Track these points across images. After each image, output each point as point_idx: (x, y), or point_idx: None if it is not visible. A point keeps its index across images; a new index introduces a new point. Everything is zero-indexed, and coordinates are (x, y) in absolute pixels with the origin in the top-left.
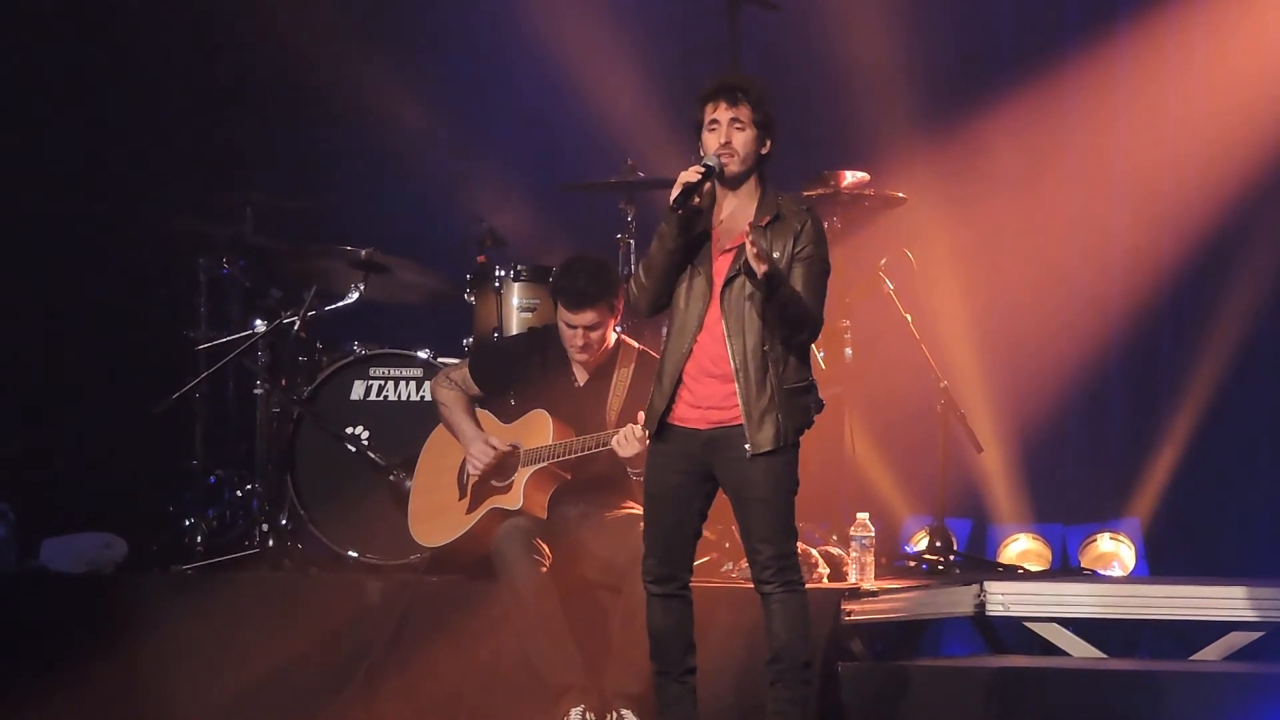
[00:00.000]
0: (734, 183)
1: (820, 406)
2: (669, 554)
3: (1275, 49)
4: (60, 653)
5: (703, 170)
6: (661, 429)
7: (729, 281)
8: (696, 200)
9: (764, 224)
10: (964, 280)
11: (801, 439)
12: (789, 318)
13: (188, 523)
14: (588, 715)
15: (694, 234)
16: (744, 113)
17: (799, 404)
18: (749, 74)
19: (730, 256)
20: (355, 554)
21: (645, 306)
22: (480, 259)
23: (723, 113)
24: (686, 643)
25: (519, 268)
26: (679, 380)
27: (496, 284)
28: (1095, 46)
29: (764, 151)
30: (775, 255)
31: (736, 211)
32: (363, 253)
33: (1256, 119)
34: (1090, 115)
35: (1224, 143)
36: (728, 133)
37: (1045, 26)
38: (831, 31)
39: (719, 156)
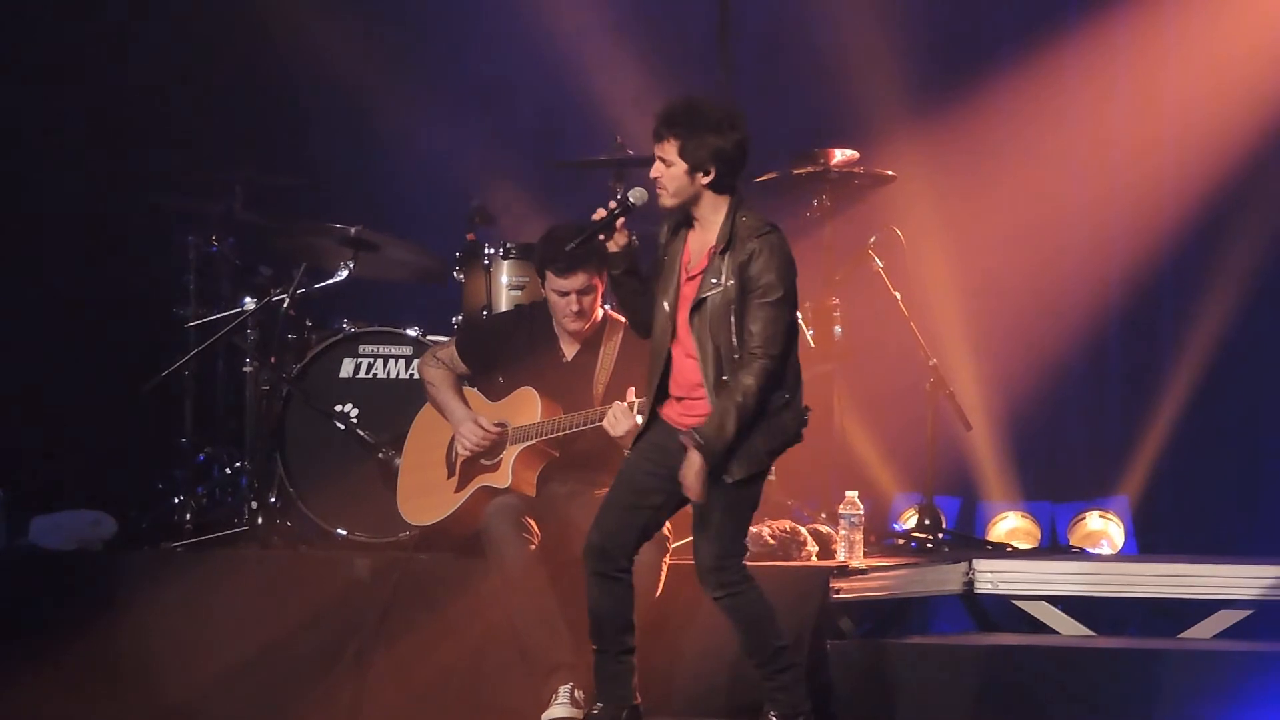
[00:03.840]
0: (681, 213)
1: (804, 420)
2: (613, 534)
3: (1272, 23)
4: (49, 630)
5: (613, 207)
6: (651, 418)
7: (696, 307)
8: (602, 238)
9: (720, 250)
10: (953, 258)
11: None
12: (742, 429)
13: (176, 500)
14: (576, 693)
15: (631, 268)
16: (668, 149)
17: (773, 424)
18: (688, 98)
19: (696, 283)
20: (344, 532)
21: (636, 330)
22: (469, 237)
23: (656, 150)
24: (624, 623)
25: (508, 246)
26: (661, 390)
27: (486, 262)
28: (1090, 21)
29: (705, 181)
30: (730, 283)
31: (699, 235)
32: (352, 230)
33: (1255, 95)
34: (1085, 92)
35: (1221, 118)
36: (656, 168)
37: (1038, 1)
38: (822, 8)
39: (642, 192)
